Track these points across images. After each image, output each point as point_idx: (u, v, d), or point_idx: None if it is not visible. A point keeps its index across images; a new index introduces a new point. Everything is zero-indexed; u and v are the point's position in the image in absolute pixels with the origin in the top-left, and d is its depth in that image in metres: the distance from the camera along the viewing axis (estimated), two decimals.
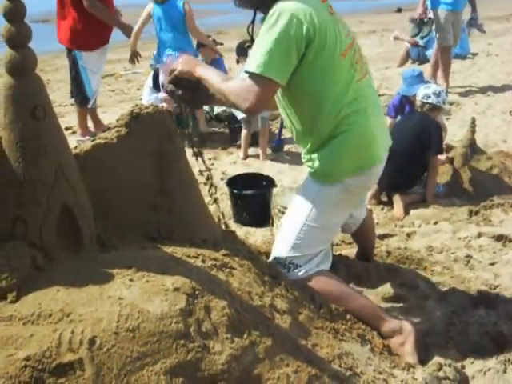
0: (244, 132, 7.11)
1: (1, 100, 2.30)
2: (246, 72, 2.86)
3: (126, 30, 7.11)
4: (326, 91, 2.99)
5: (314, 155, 3.13)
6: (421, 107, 5.74)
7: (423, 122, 5.62)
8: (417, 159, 5.54)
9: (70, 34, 6.91)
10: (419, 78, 6.97)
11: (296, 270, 3.16)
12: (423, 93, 5.75)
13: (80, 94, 7.20)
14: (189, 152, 3.11)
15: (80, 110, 7.36)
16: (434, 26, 9.68)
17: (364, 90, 3.12)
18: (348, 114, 3.03)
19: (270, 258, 3.26)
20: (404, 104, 6.98)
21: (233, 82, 2.95)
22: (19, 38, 2.23)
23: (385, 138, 3.28)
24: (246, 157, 7.14)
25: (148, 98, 7.85)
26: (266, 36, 2.82)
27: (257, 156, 7.14)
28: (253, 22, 3.20)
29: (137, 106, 2.78)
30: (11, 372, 1.98)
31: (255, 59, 2.82)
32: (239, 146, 7.34)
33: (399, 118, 6.65)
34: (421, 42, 12.04)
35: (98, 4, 6.75)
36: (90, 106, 7.25)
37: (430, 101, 5.66)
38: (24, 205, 2.29)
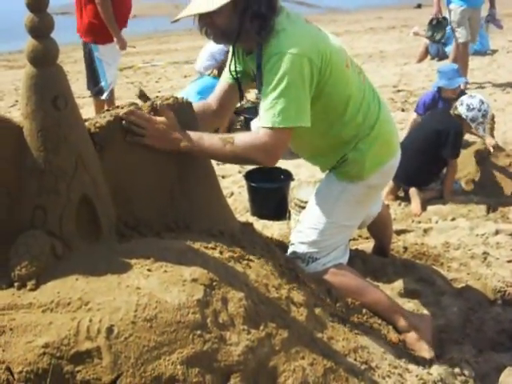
0: None
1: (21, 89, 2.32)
2: (266, 127, 2.75)
3: (120, 42, 7.12)
4: (347, 101, 2.99)
5: (342, 162, 3.13)
6: (454, 109, 5.65)
7: (444, 123, 5.53)
8: (435, 157, 5.51)
9: (87, 28, 6.98)
10: (451, 73, 6.84)
11: (314, 264, 3.17)
12: (462, 98, 5.62)
13: (95, 85, 7.27)
14: None
15: (96, 101, 7.42)
16: (451, 23, 9.62)
17: (369, 86, 3.14)
18: (369, 116, 3.05)
19: (289, 252, 3.26)
20: (437, 101, 6.83)
21: (245, 140, 2.78)
22: (42, 28, 2.23)
23: (395, 125, 3.34)
24: None
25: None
26: (280, 86, 2.70)
27: None
28: (234, 60, 3.09)
29: (157, 97, 2.78)
30: (30, 359, 2.00)
31: (274, 113, 2.72)
32: None
33: None
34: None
35: (107, 4, 6.79)
36: (104, 97, 7.29)
37: (459, 109, 5.50)
38: (44, 194, 2.31)
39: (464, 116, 5.46)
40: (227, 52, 7.57)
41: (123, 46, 7.18)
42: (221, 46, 7.50)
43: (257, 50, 2.83)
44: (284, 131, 2.77)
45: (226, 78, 3.21)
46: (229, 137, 2.79)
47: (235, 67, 3.09)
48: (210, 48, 7.80)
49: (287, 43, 2.71)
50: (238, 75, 3.11)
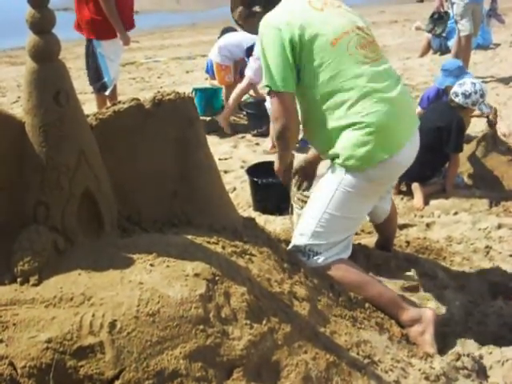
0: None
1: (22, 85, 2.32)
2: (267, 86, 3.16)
3: (124, 38, 7.12)
4: (328, 81, 3.07)
5: (336, 145, 3.13)
6: (451, 101, 5.63)
7: (446, 117, 5.48)
8: (437, 152, 5.48)
9: (90, 24, 6.96)
10: (457, 71, 6.78)
11: (315, 258, 3.16)
12: (454, 89, 5.57)
13: (98, 81, 7.26)
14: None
15: (99, 97, 7.41)
16: (454, 16, 9.60)
17: (377, 72, 3.12)
18: (366, 105, 3.03)
19: (290, 246, 3.26)
20: (441, 96, 6.78)
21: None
22: (43, 24, 2.23)
23: (408, 122, 3.27)
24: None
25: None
26: (262, 54, 3.13)
27: None
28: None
29: (159, 92, 2.78)
30: (33, 354, 2.01)
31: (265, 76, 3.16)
32: (257, 134, 7.50)
33: None
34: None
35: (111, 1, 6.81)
36: (107, 93, 7.28)
37: (456, 100, 5.47)
38: (46, 189, 2.32)
39: (465, 105, 5.44)
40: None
41: (127, 41, 7.18)
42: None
43: None
44: (278, 95, 3.12)
45: None
46: None
47: None
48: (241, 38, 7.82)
49: (268, 17, 3.16)
50: None
